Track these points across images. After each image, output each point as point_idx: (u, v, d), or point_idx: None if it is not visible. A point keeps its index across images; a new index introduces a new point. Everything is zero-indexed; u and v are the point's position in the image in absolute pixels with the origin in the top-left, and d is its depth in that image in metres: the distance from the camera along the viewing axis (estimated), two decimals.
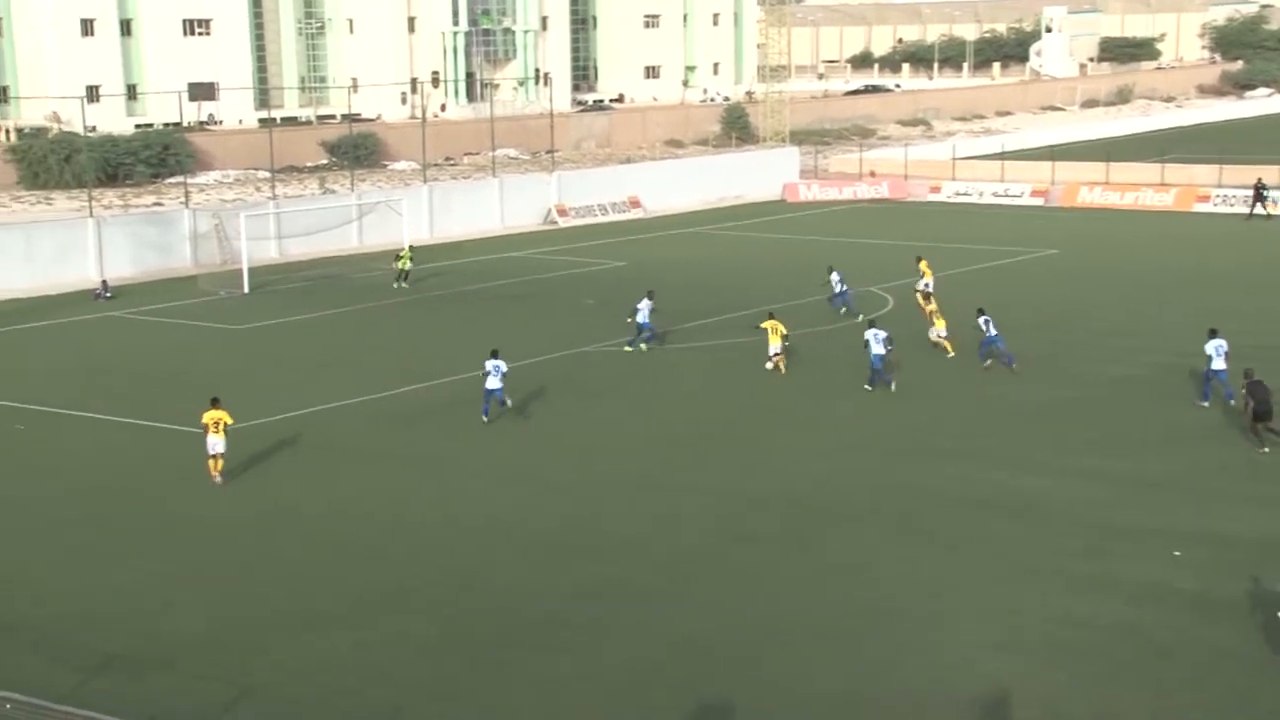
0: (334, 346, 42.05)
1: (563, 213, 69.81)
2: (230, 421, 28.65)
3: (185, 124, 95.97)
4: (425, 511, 26.67)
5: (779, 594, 22.41)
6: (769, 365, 37.20)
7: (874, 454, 29.99)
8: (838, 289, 44.84)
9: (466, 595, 22.52)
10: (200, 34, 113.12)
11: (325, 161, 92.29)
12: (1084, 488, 27.58)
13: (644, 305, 39.95)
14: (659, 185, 75.59)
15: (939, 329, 39.28)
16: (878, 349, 35.00)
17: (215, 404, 28.75)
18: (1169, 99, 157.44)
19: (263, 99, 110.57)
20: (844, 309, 44.42)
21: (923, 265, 47.15)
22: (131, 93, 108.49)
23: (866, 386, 35.28)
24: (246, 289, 51.06)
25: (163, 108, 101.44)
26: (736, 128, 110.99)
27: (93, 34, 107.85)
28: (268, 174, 74.31)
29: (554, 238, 64.71)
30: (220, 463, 28.46)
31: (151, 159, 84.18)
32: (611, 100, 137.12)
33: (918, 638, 20.74)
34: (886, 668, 19.82)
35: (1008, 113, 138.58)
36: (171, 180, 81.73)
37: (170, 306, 48.71)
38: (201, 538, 25.37)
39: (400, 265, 52.19)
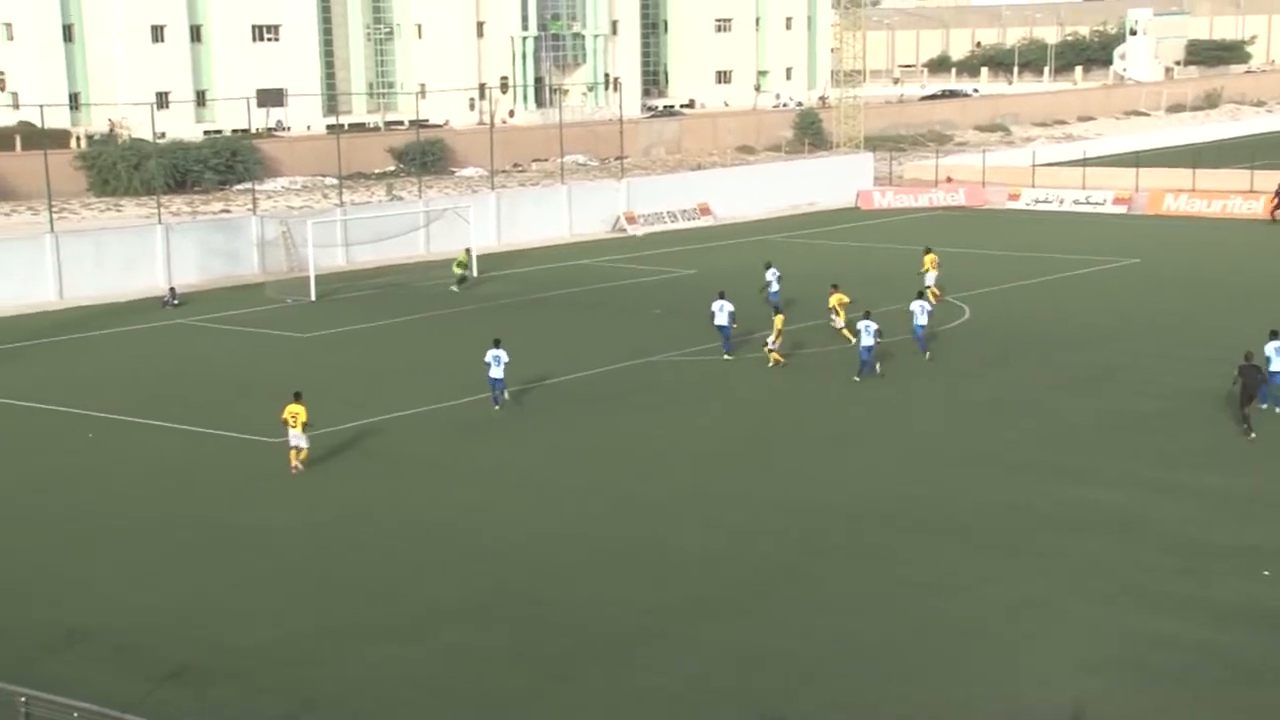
0: (400, 355, 42.34)
1: (632, 220, 69.89)
2: (304, 419, 29.64)
3: (253, 130, 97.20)
4: (491, 524, 26.75)
5: (852, 610, 22.27)
6: (770, 364, 38.25)
7: (951, 467, 29.74)
8: (773, 286, 45.77)
9: (533, 609, 22.54)
10: (269, 39, 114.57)
11: (392, 168, 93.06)
12: (1167, 503, 27.20)
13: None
14: (730, 192, 75.50)
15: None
16: (867, 340, 36.52)
17: (296, 398, 29.97)
18: (1259, 103, 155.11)
19: (331, 105, 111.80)
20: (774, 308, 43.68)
21: (928, 259, 48.24)
22: (200, 99, 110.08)
23: (855, 378, 36.81)
24: (313, 296, 51.57)
25: (231, 114, 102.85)
26: (809, 134, 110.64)
27: (163, 40, 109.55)
28: (335, 181, 75.04)
29: (623, 245, 64.80)
30: (300, 454, 29.79)
31: (220, 166, 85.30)
32: (682, 106, 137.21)
33: (995, 657, 20.52)
34: (962, 687, 19.62)
35: (1090, 118, 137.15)
36: (239, 187, 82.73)
37: (237, 314, 49.29)
38: (267, 547, 25.61)
39: (457, 270, 52.81)
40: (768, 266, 47.41)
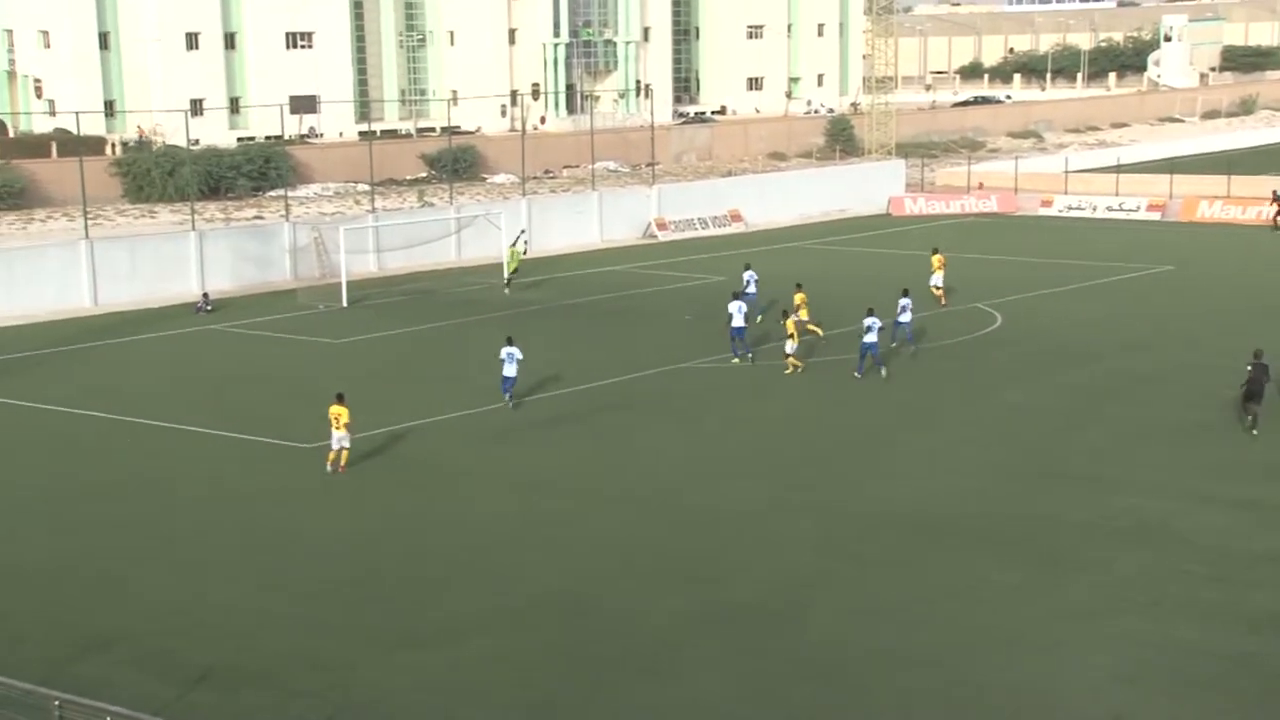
0: (432, 361, 42.41)
1: (662, 226, 69.87)
2: (346, 419, 29.91)
3: (286, 137, 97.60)
4: (527, 531, 26.73)
5: (889, 619, 22.14)
6: (787, 370, 38.35)
7: (986, 475, 29.58)
8: (750, 289, 45.86)
9: (570, 617, 22.48)
10: (303, 47, 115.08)
11: (424, 174, 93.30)
12: (1206, 512, 26.96)
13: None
14: (761, 199, 75.44)
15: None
16: (870, 337, 37.27)
17: (339, 400, 30.21)
18: None
19: (363, 112, 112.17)
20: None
21: (936, 259, 49.08)
22: (234, 106, 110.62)
23: (855, 374, 37.79)
24: (345, 302, 51.71)
25: (264, 121, 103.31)
26: (841, 140, 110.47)
27: (197, 47, 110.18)
28: (367, 187, 75.28)
29: (653, 252, 64.76)
30: (339, 455, 30.05)
31: (253, 172, 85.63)
32: (713, 112, 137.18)
33: (1033, 666, 20.35)
34: (1000, 697, 19.46)
35: (1124, 124, 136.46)
36: (272, 193, 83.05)
37: (269, 320, 49.46)
38: (300, 552, 25.64)
39: (511, 265, 54.22)
40: (746, 268, 48.02)
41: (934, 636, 21.44)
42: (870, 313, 37.72)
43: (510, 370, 34.99)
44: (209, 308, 51.15)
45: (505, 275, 54.67)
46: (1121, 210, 75.61)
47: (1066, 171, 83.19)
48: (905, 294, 41.09)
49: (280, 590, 23.77)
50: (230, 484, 29.95)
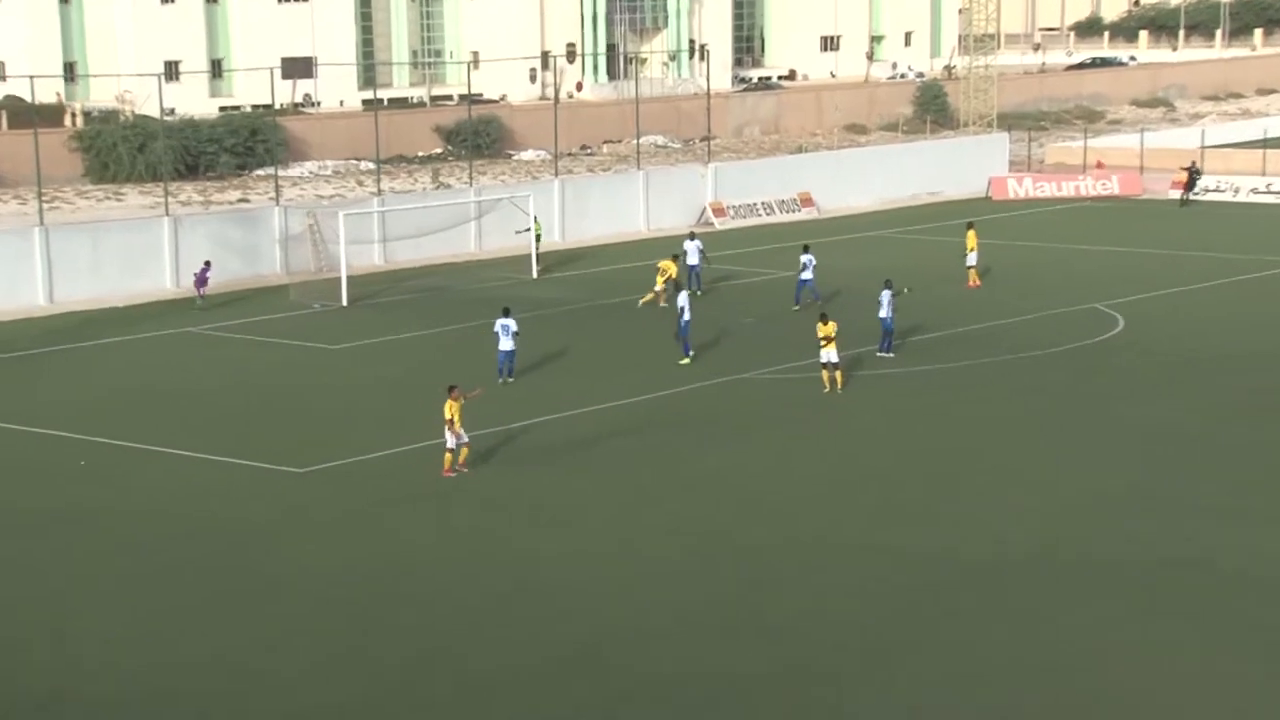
0: (447, 370, 42.26)
1: (720, 212, 69.79)
2: (448, 416, 31.36)
3: (277, 106, 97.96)
4: (555, 571, 26.71)
5: (988, 680, 21.99)
6: (825, 389, 38.10)
7: (1105, 509, 29.39)
8: (692, 258, 50.93)
9: (613, 676, 22.44)
10: (297, 0, 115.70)
11: (440, 151, 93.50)
12: None
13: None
14: (837, 180, 75.22)
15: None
16: (885, 311, 40.95)
17: (449, 392, 31.71)
18: None
19: (368, 77, 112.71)
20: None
21: (971, 236, 51.75)
22: (216, 70, 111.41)
23: (877, 353, 41.18)
24: (345, 301, 51.87)
25: (251, 87, 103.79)
26: (932, 110, 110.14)
27: (173, 1, 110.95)
28: (371, 165, 75.51)
29: (709, 242, 64.44)
30: (449, 457, 31.74)
31: (237, 147, 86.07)
32: (781, 78, 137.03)
33: None
34: None
35: (1272, 90, 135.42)
36: (260, 173, 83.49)
37: (257, 321, 49.66)
38: (300, 598, 25.66)
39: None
40: (690, 238, 53.11)
41: (1040, 700, 21.28)
42: (887, 285, 41.47)
43: (507, 344, 37.61)
44: (202, 294, 51.38)
45: (534, 259, 55.79)
46: (1270, 192, 74.99)
47: (1203, 147, 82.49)
48: (887, 285, 42.31)
49: (275, 643, 23.76)
50: (213, 516, 30.00)
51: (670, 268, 49.57)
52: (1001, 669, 22.39)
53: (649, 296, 49.25)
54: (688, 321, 41.74)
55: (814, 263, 49.34)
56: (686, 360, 41.57)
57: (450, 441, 31.69)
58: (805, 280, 48.87)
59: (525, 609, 25.01)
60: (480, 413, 34.27)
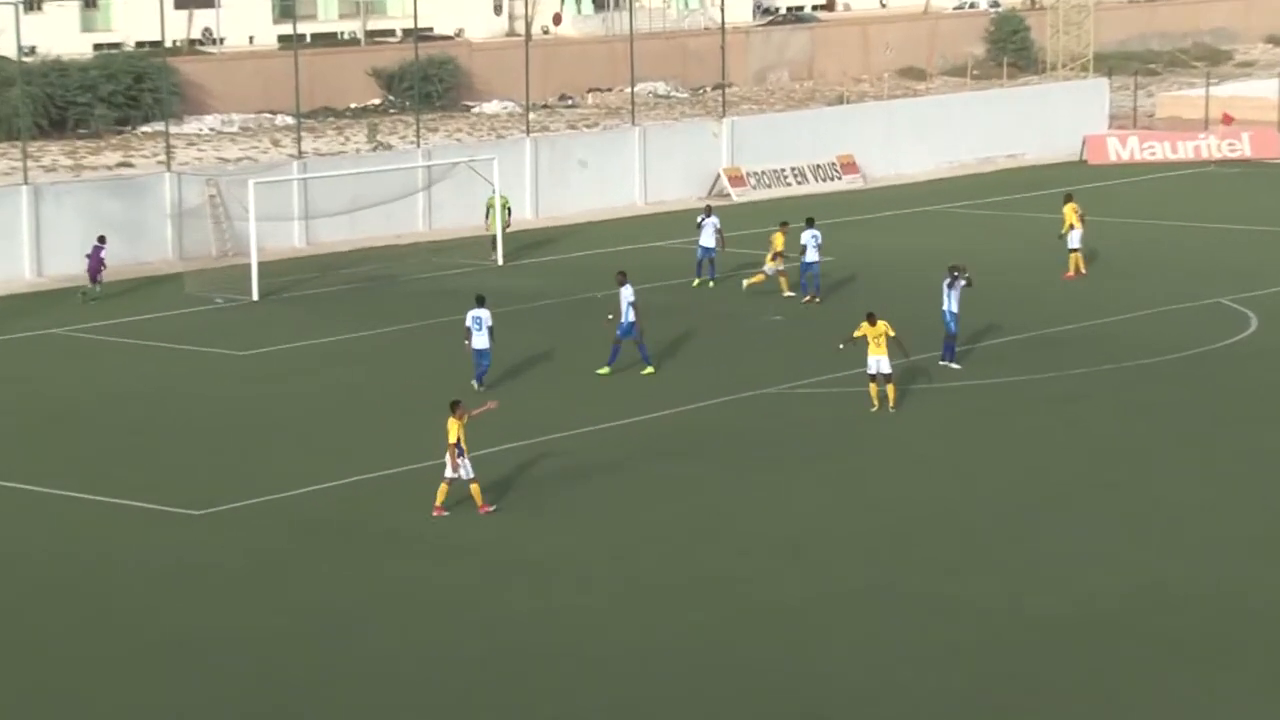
0: (386, 384, 42.42)
1: (737, 181, 69.89)
2: (451, 438, 31.67)
3: (168, 44, 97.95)
4: (542, 637, 26.85)
5: None
6: (873, 408, 38.42)
7: (1246, 554, 29.70)
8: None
9: None
10: None
11: (378, 102, 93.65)
12: None
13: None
14: (886, 140, 75.49)
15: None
16: (950, 305, 41.49)
17: (452, 409, 31.96)
18: None
19: (285, 7, 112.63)
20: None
21: (1069, 209, 51.89)
22: None
23: (948, 363, 41.81)
24: (256, 295, 51.89)
25: (135, 20, 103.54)
26: (1011, 50, 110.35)
27: None
28: (290, 120, 75.60)
29: (724, 219, 64.47)
30: (444, 489, 32.05)
31: (117, 97, 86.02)
32: (816, 8, 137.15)
33: None
34: None
35: None
36: (146, 129, 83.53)
37: (141, 320, 49.57)
38: (208, 667, 25.73)
39: (490, 224, 56.10)
40: (707, 213, 54.18)
41: None
42: (954, 272, 41.66)
43: (481, 341, 38.81)
44: (99, 282, 51.29)
45: (496, 242, 55.66)
46: None
47: None
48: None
49: None
50: (94, 571, 30.12)
51: (779, 241, 50.55)
52: None
53: (757, 278, 50.57)
54: (632, 323, 41.86)
55: (819, 241, 49.65)
56: (606, 370, 41.97)
57: (449, 471, 31.88)
58: (809, 264, 49.60)
59: (497, 686, 25.09)
60: (427, 436, 34.32)
